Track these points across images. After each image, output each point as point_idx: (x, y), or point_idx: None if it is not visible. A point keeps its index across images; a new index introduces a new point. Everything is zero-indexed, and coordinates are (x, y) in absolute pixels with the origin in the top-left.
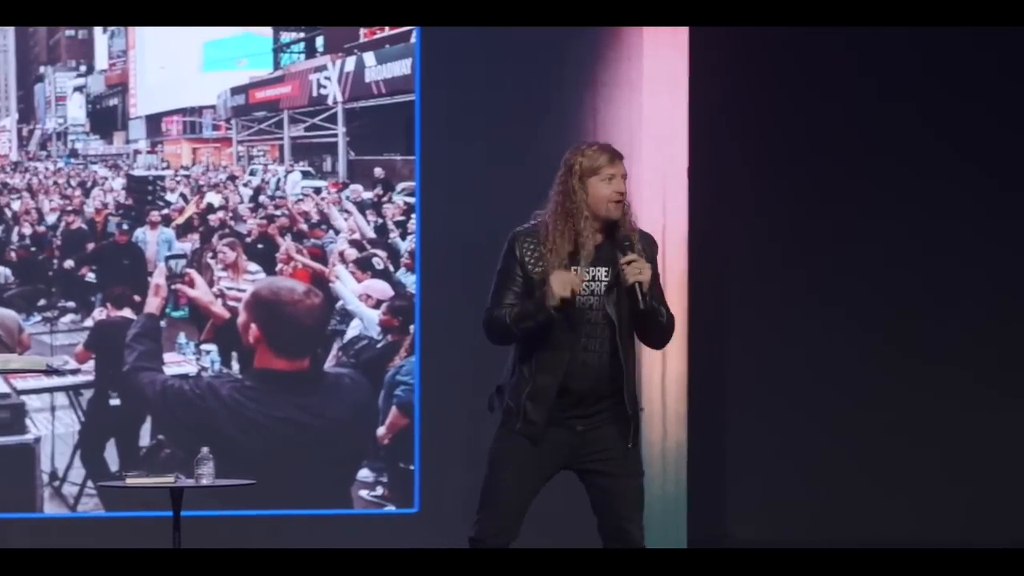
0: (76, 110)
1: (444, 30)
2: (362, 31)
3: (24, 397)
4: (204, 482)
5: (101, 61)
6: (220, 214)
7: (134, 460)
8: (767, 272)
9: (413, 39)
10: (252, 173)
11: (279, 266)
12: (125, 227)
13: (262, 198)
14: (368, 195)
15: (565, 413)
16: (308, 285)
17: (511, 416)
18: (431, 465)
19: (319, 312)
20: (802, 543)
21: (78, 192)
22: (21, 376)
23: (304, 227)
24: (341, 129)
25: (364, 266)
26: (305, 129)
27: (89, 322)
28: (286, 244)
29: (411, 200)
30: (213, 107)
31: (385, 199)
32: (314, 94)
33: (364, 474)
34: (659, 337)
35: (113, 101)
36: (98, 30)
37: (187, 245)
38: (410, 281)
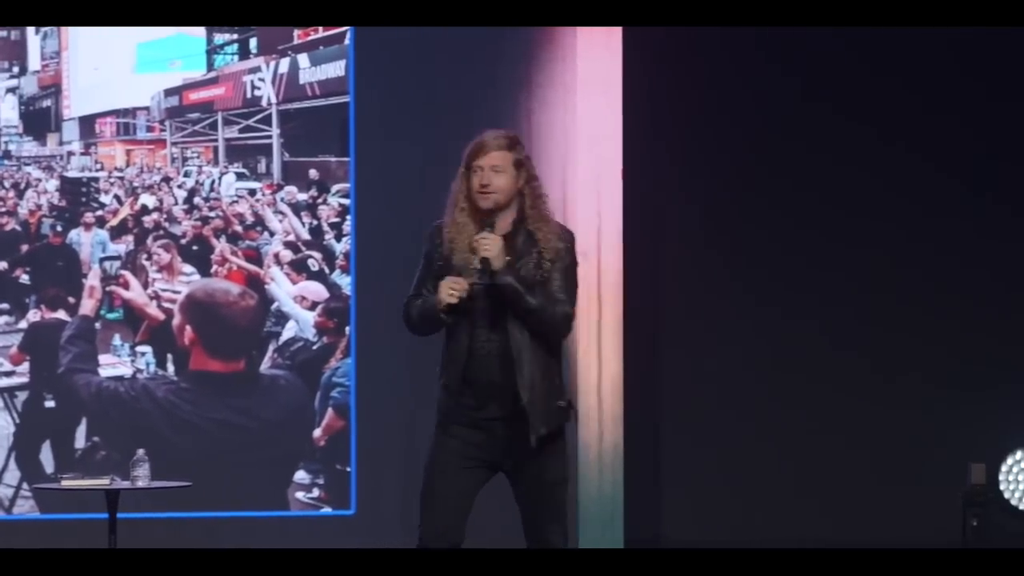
0: (9, 111)
1: (378, 31)
2: (296, 32)
3: None
4: (140, 484)
5: (34, 62)
6: (154, 216)
7: (69, 462)
8: (702, 272)
9: (347, 40)
10: (186, 175)
11: (214, 268)
12: (59, 229)
13: (196, 200)
14: (303, 197)
15: (474, 411)
16: (243, 287)
17: (438, 413)
18: (367, 467)
19: (254, 314)
20: (737, 543)
21: (11, 194)
22: None
23: (239, 229)
24: (275, 131)
25: (299, 268)
26: (239, 131)
27: (23, 324)
28: (221, 246)
29: (346, 202)
30: (147, 108)
31: (320, 200)
32: (248, 95)
33: (301, 476)
34: (535, 324)
35: (46, 102)
36: (30, 31)
37: (121, 247)
38: (345, 283)
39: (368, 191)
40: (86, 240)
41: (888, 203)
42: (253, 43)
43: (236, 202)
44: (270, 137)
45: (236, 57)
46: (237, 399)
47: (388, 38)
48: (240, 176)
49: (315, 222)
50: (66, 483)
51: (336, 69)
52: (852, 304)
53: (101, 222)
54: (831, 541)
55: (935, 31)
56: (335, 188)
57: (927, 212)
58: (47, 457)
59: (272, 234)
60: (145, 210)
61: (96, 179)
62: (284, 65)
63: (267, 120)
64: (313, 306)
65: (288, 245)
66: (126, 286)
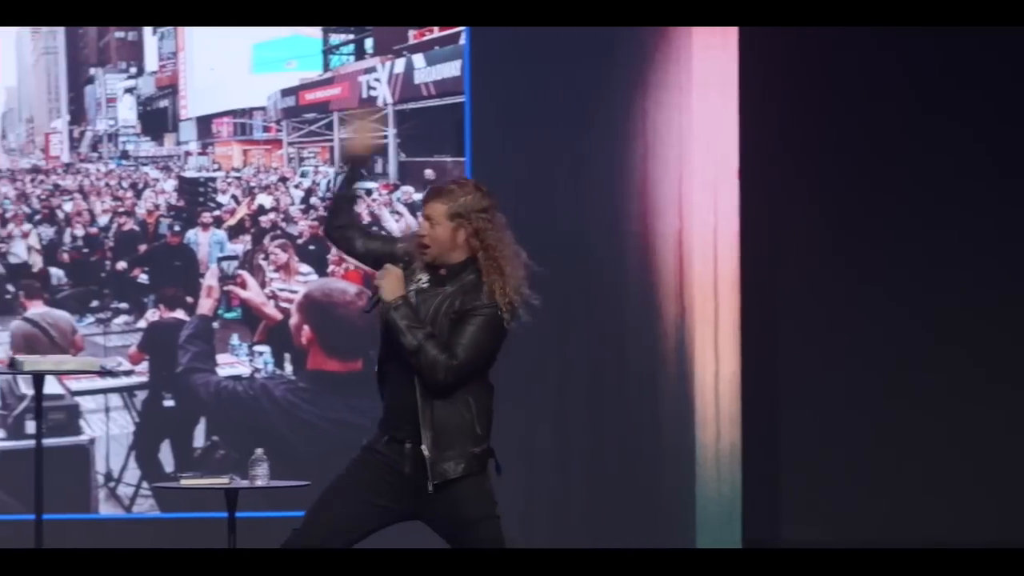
0: (127, 112)
1: (493, 31)
2: (411, 32)
3: (78, 398)
4: (259, 483)
5: (151, 63)
6: (272, 216)
7: (189, 461)
8: (820, 271)
9: (462, 40)
10: (303, 175)
11: (331, 267)
12: (177, 229)
13: (313, 200)
14: (419, 197)
15: (394, 429)
16: (360, 286)
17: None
18: None
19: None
20: (857, 543)
21: (130, 194)
22: (75, 377)
23: None
24: (391, 131)
25: None
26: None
27: (142, 323)
28: None
29: None
30: (263, 109)
31: None
32: (364, 96)
33: None
34: (412, 362)
35: (163, 103)
36: (148, 31)
37: (239, 247)
38: None
39: None
40: (204, 240)
41: (1006, 205)
42: (369, 43)
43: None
44: (386, 137)
45: (352, 57)
46: (354, 399)
47: (503, 38)
48: None
49: None
50: (185, 482)
51: (451, 69)
52: (976, 303)
53: (218, 222)
54: (955, 541)
55: None
56: None
57: None
58: (167, 456)
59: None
60: (262, 210)
61: (213, 179)
62: (400, 65)
63: (383, 120)
64: None
65: None
66: (243, 286)
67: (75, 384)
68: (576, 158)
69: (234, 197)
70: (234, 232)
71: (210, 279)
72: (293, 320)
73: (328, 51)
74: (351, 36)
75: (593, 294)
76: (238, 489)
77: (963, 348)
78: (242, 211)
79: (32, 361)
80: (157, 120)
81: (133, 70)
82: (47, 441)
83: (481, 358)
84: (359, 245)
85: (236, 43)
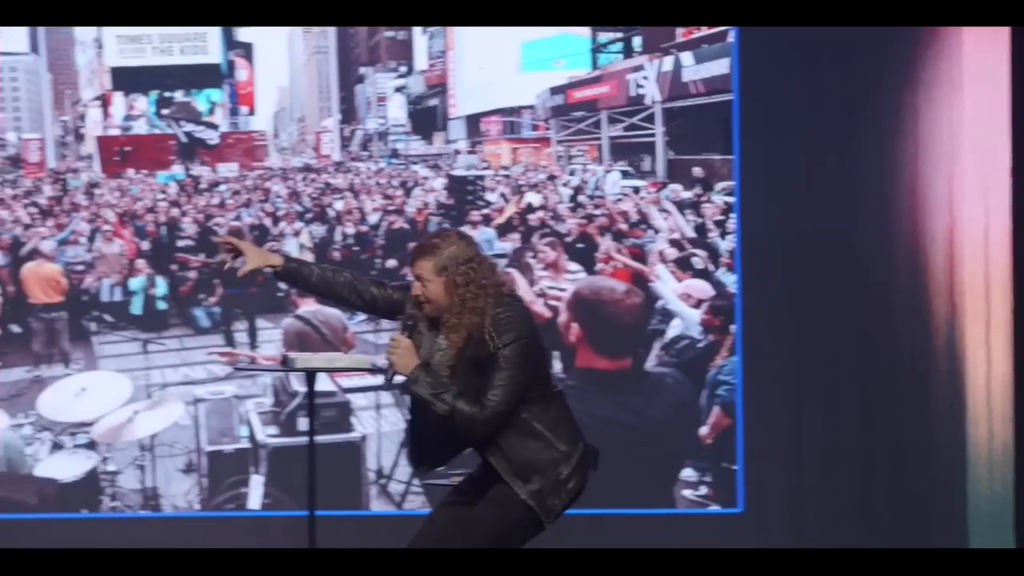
0: (397, 110)
1: (761, 30)
2: (679, 31)
3: (350, 395)
4: None
5: (420, 62)
6: (540, 214)
7: (459, 458)
8: None
9: (730, 39)
10: (571, 173)
11: (599, 265)
12: (447, 227)
13: (581, 198)
14: (687, 194)
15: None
16: (629, 284)
17: None
18: (755, 465)
19: (640, 311)
20: None
21: (400, 192)
22: (347, 375)
23: (624, 226)
24: (659, 129)
25: (684, 265)
26: (623, 129)
27: None
28: (606, 243)
29: (730, 199)
30: (532, 107)
31: (704, 198)
32: (632, 94)
33: (687, 473)
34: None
35: (433, 101)
36: (417, 31)
37: (508, 245)
38: (730, 280)
39: (752, 189)
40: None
41: None
42: (637, 42)
43: (621, 200)
44: (654, 135)
45: (620, 56)
46: (624, 396)
47: (772, 35)
48: (625, 174)
49: (700, 220)
50: (456, 479)
51: (720, 67)
52: None
53: (487, 220)
54: None
55: None
56: (719, 186)
57: None
58: None
59: (657, 232)
60: (531, 208)
61: (482, 177)
62: (668, 63)
63: (651, 118)
64: (698, 304)
65: (673, 243)
66: (513, 284)
67: (347, 381)
68: (845, 156)
69: (503, 195)
70: (503, 230)
71: None
72: (562, 318)
73: (596, 49)
74: (619, 34)
75: (863, 293)
76: None
77: None
78: (511, 209)
79: (304, 358)
80: (427, 119)
81: (403, 69)
82: (319, 438)
83: (515, 397)
84: (368, 299)
85: (505, 42)
